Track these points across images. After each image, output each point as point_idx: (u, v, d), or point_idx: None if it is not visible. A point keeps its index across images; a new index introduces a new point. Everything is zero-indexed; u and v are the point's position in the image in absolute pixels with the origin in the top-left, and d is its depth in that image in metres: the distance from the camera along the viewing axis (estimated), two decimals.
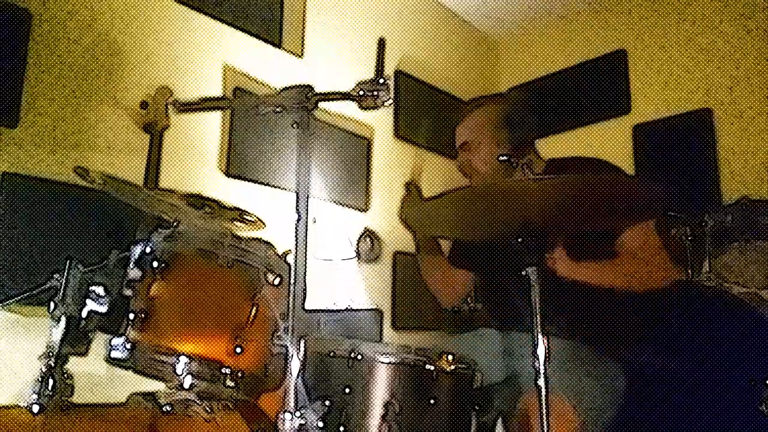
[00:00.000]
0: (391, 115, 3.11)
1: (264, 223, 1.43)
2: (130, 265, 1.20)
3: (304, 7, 2.77)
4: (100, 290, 1.20)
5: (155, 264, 1.17)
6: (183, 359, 1.11)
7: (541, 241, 1.15)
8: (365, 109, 1.10)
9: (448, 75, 3.49)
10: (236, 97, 2.38)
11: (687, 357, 1.80)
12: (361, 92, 1.07)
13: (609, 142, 3.24)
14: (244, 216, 1.38)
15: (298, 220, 1.02)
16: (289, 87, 1.10)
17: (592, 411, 1.33)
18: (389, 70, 3.07)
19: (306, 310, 1.01)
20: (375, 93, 1.07)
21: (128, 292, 1.19)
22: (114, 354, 1.15)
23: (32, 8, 1.88)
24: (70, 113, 1.96)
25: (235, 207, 1.35)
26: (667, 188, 1.07)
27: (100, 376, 1.41)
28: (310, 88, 1.10)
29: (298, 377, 0.94)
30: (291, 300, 0.99)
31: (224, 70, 2.40)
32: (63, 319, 1.18)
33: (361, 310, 2.74)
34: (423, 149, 3.24)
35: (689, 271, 2.26)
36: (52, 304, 1.19)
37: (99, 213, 1.88)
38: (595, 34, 3.46)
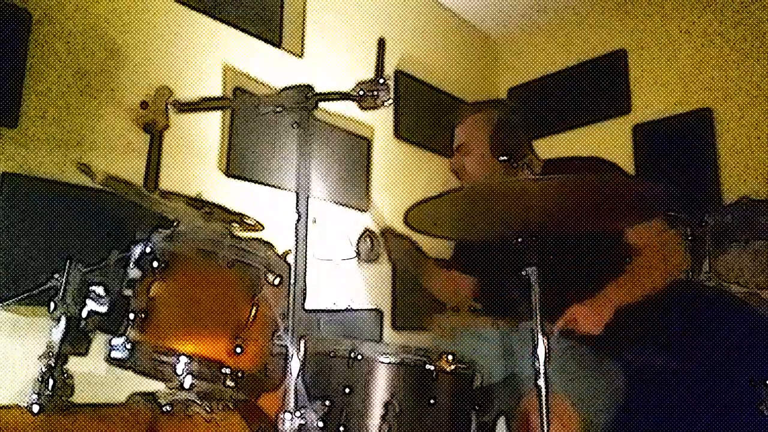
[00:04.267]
0: (391, 115, 3.11)
1: (263, 226, 1.43)
2: (130, 265, 1.20)
3: (304, 7, 2.77)
4: (100, 290, 1.20)
5: (155, 264, 1.17)
6: (183, 359, 1.12)
7: (541, 241, 1.15)
8: (365, 109, 1.10)
9: (448, 75, 3.49)
10: (236, 97, 2.38)
11: (687, 357, 1.79)
12: (361, 92, 1.07)
13: (609, 142, 3.24)
14: (244, 220, 1.39)
15: (298, 220, 1.02)
16: (289, 87, 1.10)
17: (592, 411, 1.33)
18: (389, 70, 3.07)
19: (306, 310, 1.01)
20: (375, 93, 1.07)
21: (128, 292, 1.19)
22: (114, 354, 1.15)
23: (32, 8, 1.88)
24: (70, 113, 1.96)
25: (236, 212, 1.35)
26: (667, 188, 1.07)
27: (100, 376, 1.41)
28: (310, 88, 1.10)
29: (298, 377, 0.94)
30: (291, 300, 0.99)
31: (224, 70, 2.40)
32: (63, 319, 1.17)
33: (361, 310, 2.74)
34: (423, 149, 3.24)
35: (689, 271, 2.26)
36: (52, 304, 1.19)
37: (99, 213, 1.88)
38: (595, 34, 3.46)
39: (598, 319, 1.39)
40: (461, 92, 3.47)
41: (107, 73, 2.06)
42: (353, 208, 2.80)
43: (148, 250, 1.20)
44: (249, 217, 1.38)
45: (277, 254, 1.27)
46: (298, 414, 0.93)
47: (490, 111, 1.76)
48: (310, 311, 2.43)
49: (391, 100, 1.09)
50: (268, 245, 1.28)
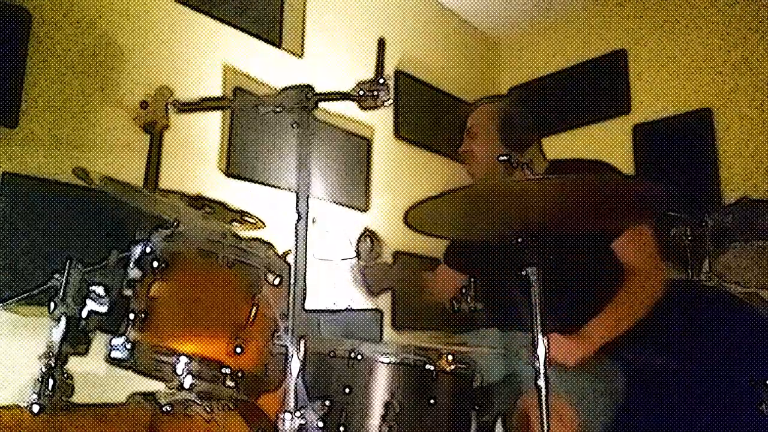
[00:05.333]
0: (391, 115, 3.10)
1: (264, 223, 1.43)
2: (130, 265, 1.20)
3: (304, 7, 2.77)
4: (100, 290, 1.19)
5: (155, 264, 1.17)
6: (183, 359, 1.11)
7: (541, 241, 1.15)
8: (365, 109, 1.10)
9: (448, 75, 3.48)
10: (236, 97, 2.38)
11: (687, 357, 1.80)
12: (361, 92, 1.07)
13: (609, 142, 3.24)
14: (245, 217, 1.38)
15: (298, 220, 1.02)
16: (289, 87, 1.10)
17: (591, 411, 1.33)
18: (389, 70, 3.07)
19: (306, 310, 1.01)
20: (375, 93, 1.07)
21: (128, 292, 1.19)
22: (114, 354, 1.15)
23: (32, 8, 1.88)
24: (70, 113, 1.96)
25: (237, 209, 1.35)
26: (667, 188, 1.07)
27: (100, 376, 1.41)
28: (310, 88, 1.10)
29: (298, 377, 0.94)
30: (291, 300, 0.99)
31: (224, 70, 2.40)
32: (63, 319, 1.17)
33: (361, 310, 2.74)
34: (423, 149, 3.24)
35: (689, 271, 2.26)
36: (52, 304, 1.19)
37: (99, 213, 1.88)
38: (595, 34, 3.46)
39: (574, 353, 1.38)
40: (461, 92, 3.46)
41: (107, 73, 2.07)
42: (353, 208, 2.80)
43: (148, 250, 1.20)
44: (250, 215, 1.38)
45: (277, 254, 1.27)
46: (298, 414, 0.93)
47: (502, 101, 1.82)
48: (310, 311, 2.43)
49: (391, 100, 1.09)
50: (268, 245, 1.27)
